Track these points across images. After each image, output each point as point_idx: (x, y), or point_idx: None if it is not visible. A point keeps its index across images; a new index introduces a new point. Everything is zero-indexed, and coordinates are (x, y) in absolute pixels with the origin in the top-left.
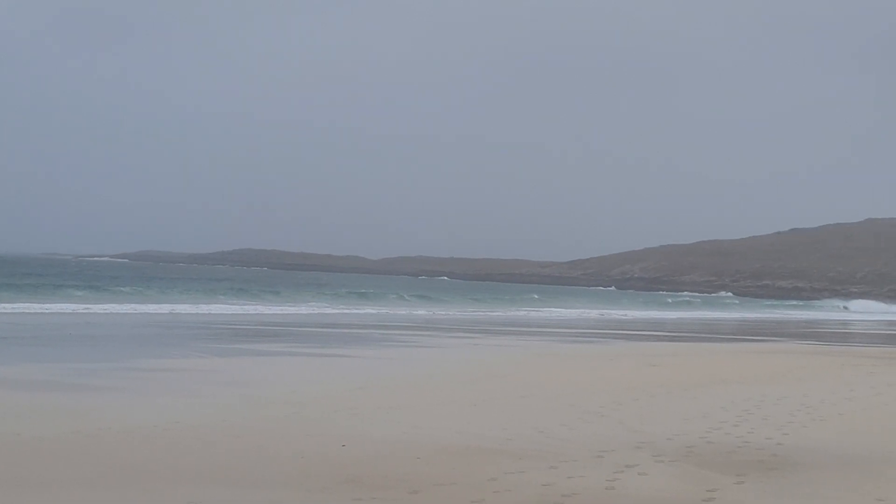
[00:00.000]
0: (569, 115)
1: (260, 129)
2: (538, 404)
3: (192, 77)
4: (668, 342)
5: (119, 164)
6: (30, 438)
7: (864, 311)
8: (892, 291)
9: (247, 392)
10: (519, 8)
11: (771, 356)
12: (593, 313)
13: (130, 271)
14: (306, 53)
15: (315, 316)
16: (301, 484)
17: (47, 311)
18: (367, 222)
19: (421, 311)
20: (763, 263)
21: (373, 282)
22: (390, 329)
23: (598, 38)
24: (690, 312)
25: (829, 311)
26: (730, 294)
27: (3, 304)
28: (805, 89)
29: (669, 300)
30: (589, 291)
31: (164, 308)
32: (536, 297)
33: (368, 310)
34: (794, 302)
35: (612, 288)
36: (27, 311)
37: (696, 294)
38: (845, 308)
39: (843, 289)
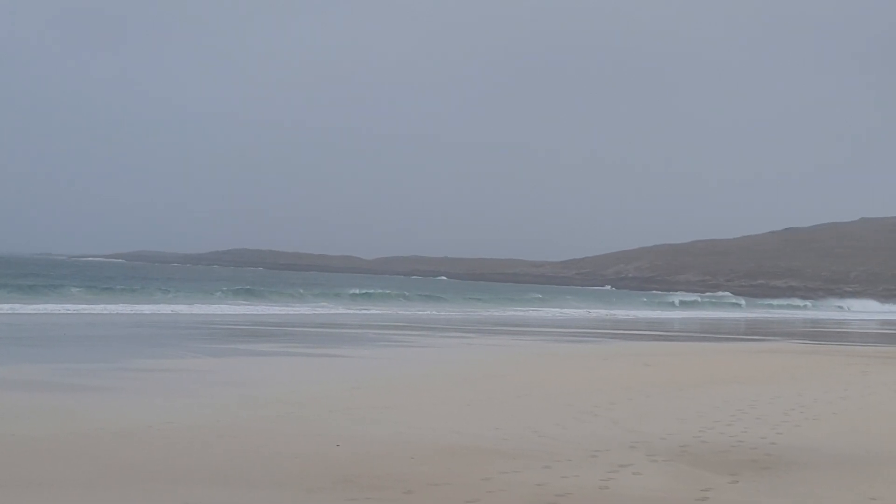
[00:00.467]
0: (564, 115)
1: (255, 129)
2: (533, 404)
3: (188, 77)
4: (663, 342)
5: (113, 164)
6: (25, 439)
7: (862, 310)
8: (886, 291)
9: (242, 392)
10: (518, 8)
11: (765, 355)
12: (602, 313)
13: (128, 271)
14: (304, 54)
15: (313, 316)
16: (296, 484)
17: (42, 312)
18: (361, 222)
19: (428, 311)
20: (757, 263)
21: (373, 282)
22: (390, 329)
23: (594, 38)
24: (697, 312)
25: (826, 311)
26: (728, 293)
27: None
28: (801, 90)
29: (675, 301)
30: (587, 291)
31: (166, 308)
32: (540, 296)
33: (374, 310)
34: (799, 301)
35: (610, 287)
36: (22, 311)
37: (698, 294)
38: (839, 307)
39: (838, 288)
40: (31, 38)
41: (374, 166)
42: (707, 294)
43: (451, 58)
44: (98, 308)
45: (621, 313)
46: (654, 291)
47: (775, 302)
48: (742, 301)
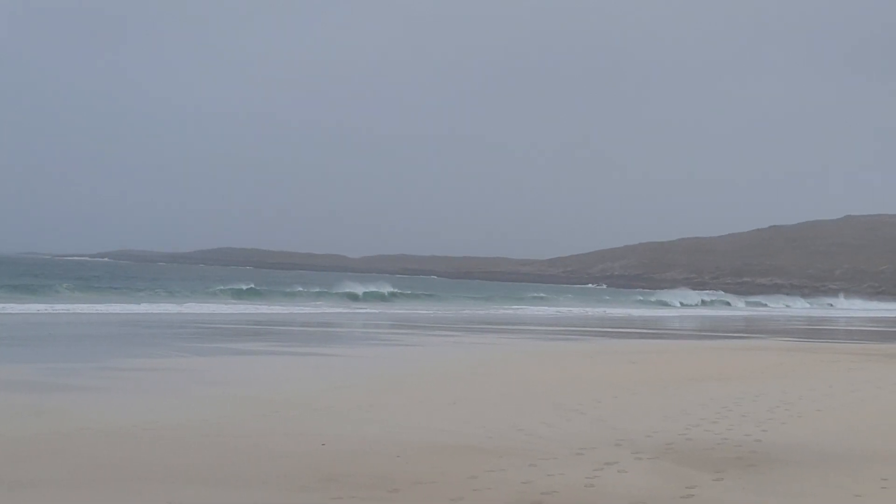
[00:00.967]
0: (551, 113)
1: (240, 127)
2: (519, 402)
3: (176, 74)
4: (649, 339)
5: (97, 162)
6: (7, 439)
7: (850, 307)
8: (870, 288)
9: (228, 391)
10: (511, 7)
11: (751, 353)
12: (617, 312)
13: (120, 271)
14: (302, 53)
15: (302, 315)
16: (281, 483)
17: (26, 312)
18: (346, 221)
19: (434, 310)
20: (743, 261)
21: (368, 280)
22: (379, 328)
23: (582, 38)
24: (689, 311)
25: (815, 308)
26: (720, 292)
27: None
28: (787, 91)
29: (678, 302)
30: (585, 290)
31: (172, 307)
32: (543, 295)
33: (369, 309)
34: (804, 302)
35: (602, 286)
36: (3, 311)
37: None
38: (830, 305)
39: (823, 285)
40: (13, 36)
41: (358, 165)
42: (707, 290)
43: (439, 57)
44: (84, 308)
45: (619, 311)
46: (641, 290)
47: (773, 301)
48: (742, 302)
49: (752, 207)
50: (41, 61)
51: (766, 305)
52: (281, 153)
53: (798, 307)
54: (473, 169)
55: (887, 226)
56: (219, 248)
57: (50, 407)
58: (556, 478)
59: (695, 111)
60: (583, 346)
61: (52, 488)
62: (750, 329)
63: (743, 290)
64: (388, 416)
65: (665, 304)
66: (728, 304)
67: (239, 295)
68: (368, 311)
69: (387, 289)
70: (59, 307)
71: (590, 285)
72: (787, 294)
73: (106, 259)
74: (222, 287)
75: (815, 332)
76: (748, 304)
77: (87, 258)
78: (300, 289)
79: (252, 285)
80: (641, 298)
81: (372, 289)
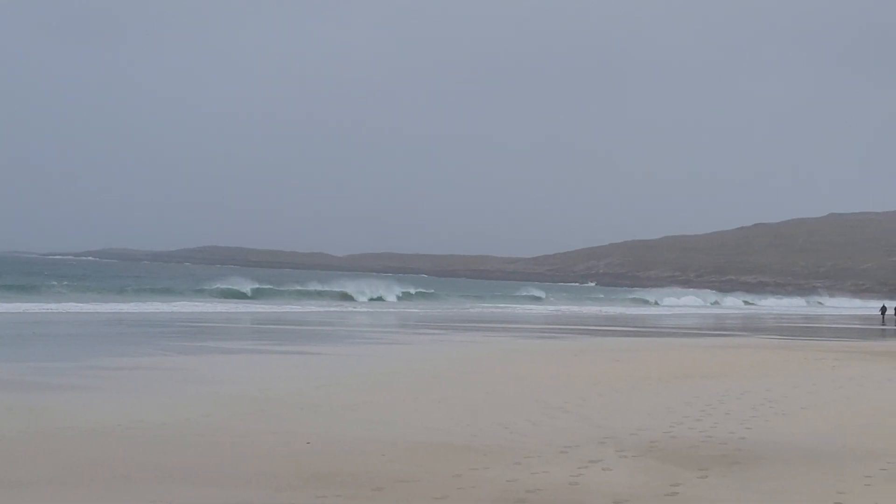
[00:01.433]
0: (535, 112)
1: (225, 127)
2: (503, 400)
3: (166, 74)
4: (635, 337)
5: (81, 162)
6: None
7: (838, 305)
8: (854, 285)
9: (211, 390)
10: (504, 6)
11: (735, 351)
12: (611, 310)
13: (103, 269)
14: (294, 51)
15: (290, 314)
16: (266, 481)
17: (13, 311)
18: (331, 219)
19: (414, 310)
20: (727, 259)
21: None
22: (360, 326)
23: (571, 37)
24: (676, 309)
25: (805, 307)
26: (707, 290)
27: None
28: (772, 91)
29: (668, 300)
30: (578, 288)
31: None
32: (544, 295)
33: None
34: (785, 297)
35: (593, 284)
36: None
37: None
38: (820, 303)
39: (807, 283)
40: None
41: (342, 165)
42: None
43: (425, 55)
44: (77, 307)
45: (613, 309)
46: (629, 287)
47: (762, 300)
48: (730, 300)
49: (737, 205)
50: (28, 60)
51: (754, 304)
52: (266, 153)
53: (786, 305)
54: (458, 167)
55: (871, 224)
56: (203, 246)
57: (36, 406)
58: (540, 476)
59: (681, 111)
60: (569, 344)
61: (38, 487)
62: (736, 327)
63: (727, 287)
64: (374, 414)
65: (645, 302)
66: (717, 302)
67: (255, 295)
68: (361, 310)
69: (416, 289)
70: (49, 306)
71: (574, 284)
72: (772, 292)
73: (91, 258)
74: (222, 286)
75: (800, 329)
76: (744, 302)
77: (71, 257)
78: (321, 288)
79: (260, 285)
80: (636, 297)
81: (408, 289)
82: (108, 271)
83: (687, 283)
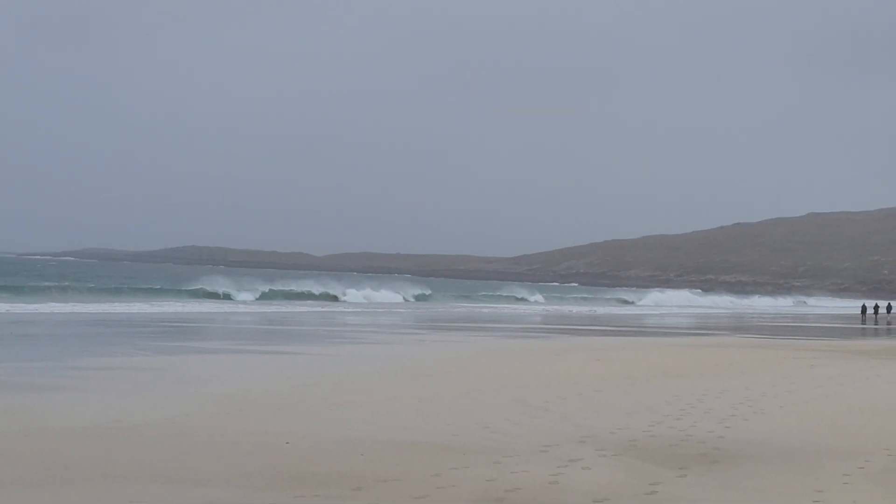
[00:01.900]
0: (513, 111)
1: (204, 126)
2: (483, 400)
3: (152, 72)
4: (615, 337)
5: (56, 161)
6: None
7: (822, 305)
8: (833, 285)
9: (191, 390)
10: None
11: (715, 350)
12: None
13: (87, 270)
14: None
15: (277, 314)
16: (245, 481)
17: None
18: (310, 219)
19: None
20: (707, 258)
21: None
22: (343, 326)
23: (549, 38)
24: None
25: (788, 306)
26: (699, 291)
27: None
28: (751, 91)
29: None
30: (560, 287)
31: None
32: (544, 296)
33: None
34: (802, 298)
35: (575, 284)
36: None
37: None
38: (804, 302)
39: (786, 282)
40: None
41: (321, 164)
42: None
43: (410, 54)
44: (62, 307)
45: (591, 309)
46: (604, 286)
47: (748, 299)
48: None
49: (716, 205)
50: (8, 59)
51: (749, 305)
52: (246, 153)
53: (767, 304)
54: (438, 168)
55: (850, 223)
56: (183, 246)
57: (15, 406)
58: (520, 475)
59: (661, 112)
60: (550, 344)
61: (14, 488)
62: (717, 326)
63: (707, 287)
64: (354, 414)
65: (626, 302)
66: (698, 298)
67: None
68: (345, 310)
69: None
70: (29, 307)
71: (555, 283)
72: (752, 291)
73: (70, 258)
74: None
75: (779, 328)
76: (730, 302)
77: (50, 257)
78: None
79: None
80: (621, 297)
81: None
82: (87, 271)
83: (667, 283)
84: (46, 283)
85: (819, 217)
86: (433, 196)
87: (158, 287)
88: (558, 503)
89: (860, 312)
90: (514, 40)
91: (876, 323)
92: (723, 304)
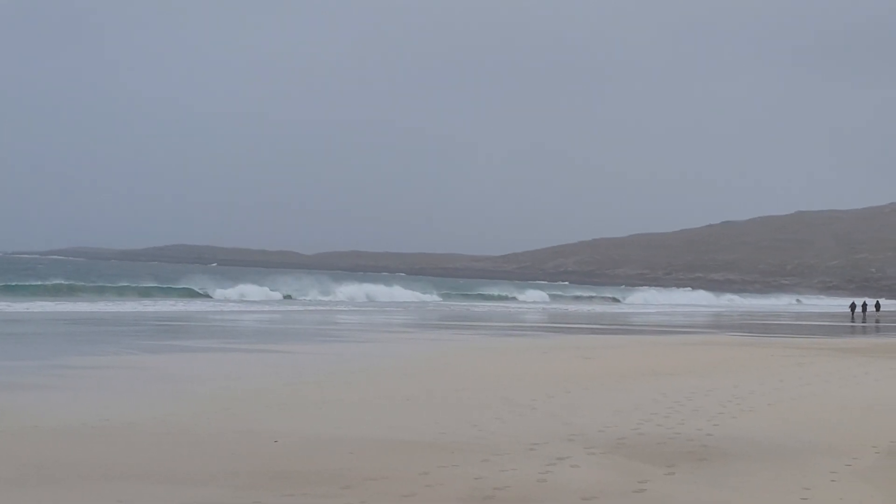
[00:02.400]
0: (504, 110)
1: (192, 125)
2: (472, 398)
3: (141, 72)
4: (604, 335)
5: (43, 159)
6: None
7: (815, 303)
8: (821, 283)
9: (178, 388)
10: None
11: (703, 348)
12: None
13: (75, 268)
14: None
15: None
16: (232, 480)
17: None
18: (298, 217)
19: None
20: (695, 256)
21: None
22: (330, 325)
23: (536, 38)
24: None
25: (782, 306)
26: (689, 288)
27: None
28: (739, 89)
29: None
30: (550, 286)
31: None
32: (545, 295)
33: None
34: (800, 297)
35: (566, 283)
36: None
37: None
38: (798, 301)
39: (774, 280)
40: None
41: (308, 162)
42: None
43: (400, 53)
44: (53, 306)
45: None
46: (597, 285)
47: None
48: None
49: (705, 203)
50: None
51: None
52: (234, 151)
53: (759, 303)
54: (426, 165)
55: (838, 221)
56: (172, 244)
57: (2, 405)
58: (508, 473)
59: (649, 111)
60: (538, 342)
61: (4, 487)
62: (701, 324)
63: (695, 285)
64: (342, 412)
65: (617, 301)
66: (690, 294)
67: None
68: (329, 308)
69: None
70: (16, 305)
71: (542, 282)
72: (740, 290)
73: (57, 256)
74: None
75: (767, 326)
76: (724, 301)
77: (38, 255)
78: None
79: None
80: (610, 296)
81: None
82: (75, 270)
83: (655, 281)
84: (35, 282)
85: (806, 215)
86: (421, 195)
87: (147, 285)
88: (547, 501)
89: (849, 310)
90: (512, 41)
91: (864, 321)
92: (716, 302)
